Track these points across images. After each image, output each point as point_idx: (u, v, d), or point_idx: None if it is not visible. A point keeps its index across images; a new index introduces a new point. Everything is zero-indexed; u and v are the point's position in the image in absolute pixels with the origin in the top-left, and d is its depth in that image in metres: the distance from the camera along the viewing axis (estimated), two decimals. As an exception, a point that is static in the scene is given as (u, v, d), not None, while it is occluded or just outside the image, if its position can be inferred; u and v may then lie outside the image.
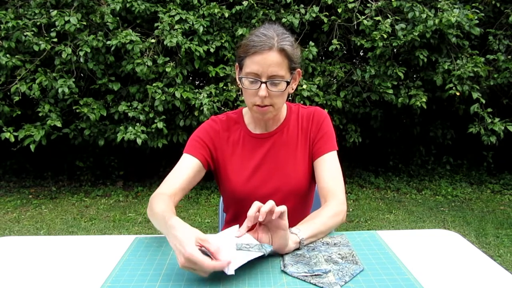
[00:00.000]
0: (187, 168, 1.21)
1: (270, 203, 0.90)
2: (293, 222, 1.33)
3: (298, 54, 1.16)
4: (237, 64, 1.18)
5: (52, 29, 3.61)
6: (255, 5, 3.84)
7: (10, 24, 3.54)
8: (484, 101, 3.79)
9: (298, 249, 1.01)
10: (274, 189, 1.24)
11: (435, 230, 1.17)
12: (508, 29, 4.02)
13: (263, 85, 1.11)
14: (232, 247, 0.90)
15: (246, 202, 1.18)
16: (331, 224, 1.12)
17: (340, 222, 1.16)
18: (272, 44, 1.09)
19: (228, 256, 0.84)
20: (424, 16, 3.61)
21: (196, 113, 3.75)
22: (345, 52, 4.35)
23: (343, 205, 1.18)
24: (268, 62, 1.09)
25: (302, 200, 1.30)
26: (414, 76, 4.27)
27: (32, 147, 3.58)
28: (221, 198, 1.56)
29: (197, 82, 4.77)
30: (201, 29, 3.73)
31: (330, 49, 3.88)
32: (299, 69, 1.20)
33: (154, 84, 3.71)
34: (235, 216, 1.31)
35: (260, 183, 1.25)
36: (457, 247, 1.05)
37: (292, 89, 1.21)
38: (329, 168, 1.23)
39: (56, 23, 3.53)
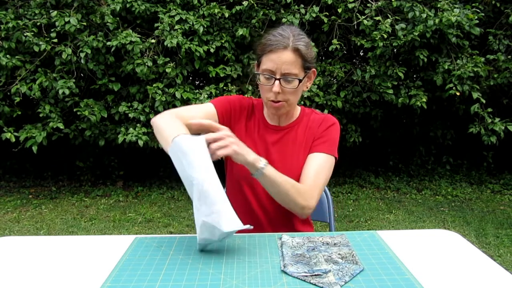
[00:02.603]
0: (204, 110, 1.25)
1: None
2: (292, 218, 1.35)
3: (312, 55, 1.22)
4: (256, 62, 1.25)
5: (52, 30, 3.61)
6: (255, 5, 3.84)
7: (10, 25, 3.54)
8: (484, 101, 3.79)
9: (297, 249, 1.01)
10: None
11: (435, 230, 1.17)
12: (508, 29, 4.02)
13: (277, 82, 1.17)
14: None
15: (247, 185, 1.27)
16: (290, 192, 1.13)
17: (297, 204, 1.15)
18: (287, 44, 1.15)
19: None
20: (424, 16, 3.61)
21: (196, 113, 3.74)
22: (345, 52, 4.35)
23: (308, 195, 1.18)
24: (282, 60, 1.15)
25: None
26: (414, 76, 4.27)
27: (34, 148, 3.58)
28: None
29: (197, 83, 4.77)
30: (201, 29, 3.73)
31: (330, 49, 3.88)
32: (314, 69, 1.25)
33: (154, 85, 3.71)
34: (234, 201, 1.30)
35: None
36: (457, 247, 1.05)
37: (307, 87, 1.27)
38: (316, 165, 1.24)
39: (56, 23, 3.53)
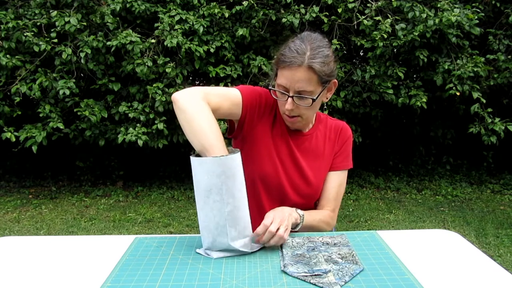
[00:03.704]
0: (230, 99, 1.17)
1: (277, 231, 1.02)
2: None
3: (331, 68, 1.16)
4: (273, 72, 1.23)
5: (52, 30, 3.61)
6: (255, 5, 3.84)
7: (10, 25, 3.54)
8: (484, 101, 3.79)
9: (298, 249, 1.01)
10: (294, 187, 1.29)
11: (435, 230, 1.17)
12: (508, 29, 4.02)
13: (290, 99, 1.15)
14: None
15: (262, 184, 1.27)
16: (322, 228, 1.26)
17: (326, 231, 1.28)
18: (302, 62, 1.11)
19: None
20: (424, 16, 3.61)
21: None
22: (345, 52, 4.35)
23: (334, 220, 1.34)
24: (296, 78, 1.12)
25: (314, 203, 1.37)
26: (414, 76, 4.27)
27: (34, 148, 3.58)
28: None
29: (197, 83, 4.77)
30: (201, 29, 3.73)
31: (330, 49, 3.87)
32: (334, 80, 1.21)
33: (154, 85, 3.71)
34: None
35: (285, 175, 1.28)
36: (457, 247, 1.05)
37: (327, 98, 1.26)
38: (338, 184, 1.34)
39: (56, 23, 3.53)
